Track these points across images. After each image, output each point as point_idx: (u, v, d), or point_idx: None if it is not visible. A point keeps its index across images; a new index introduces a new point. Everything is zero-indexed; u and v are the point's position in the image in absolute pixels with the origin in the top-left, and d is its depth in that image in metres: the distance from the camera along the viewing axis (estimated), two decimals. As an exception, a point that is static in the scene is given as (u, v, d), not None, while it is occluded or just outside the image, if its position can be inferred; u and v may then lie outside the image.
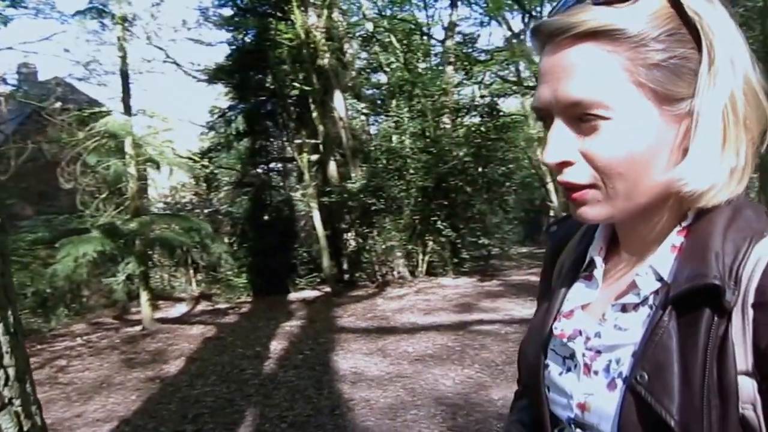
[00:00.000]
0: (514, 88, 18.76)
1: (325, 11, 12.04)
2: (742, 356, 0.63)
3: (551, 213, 18.99)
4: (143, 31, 12.77)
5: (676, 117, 0.68)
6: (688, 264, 0.69)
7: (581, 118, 0.68)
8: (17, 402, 1.60)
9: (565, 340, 0.81)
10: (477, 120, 13.06)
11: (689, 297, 0.67)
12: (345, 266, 12.64)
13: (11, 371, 1.62)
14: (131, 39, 11.09)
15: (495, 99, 13.56)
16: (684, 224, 0.74)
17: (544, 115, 0.73)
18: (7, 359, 1.62)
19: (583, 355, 0.78)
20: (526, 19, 20.65)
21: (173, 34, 27.99)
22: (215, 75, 13.24)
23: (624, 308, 0.77)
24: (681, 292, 0.67)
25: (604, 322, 0.78)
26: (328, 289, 11.48)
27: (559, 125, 0.71)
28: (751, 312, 0.64)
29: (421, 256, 11.77)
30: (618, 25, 0.66)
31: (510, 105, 19.79)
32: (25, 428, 1.59)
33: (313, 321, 8.87)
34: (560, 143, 0.70)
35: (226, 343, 7.91)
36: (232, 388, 5.90)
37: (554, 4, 0.74)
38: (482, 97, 13.68)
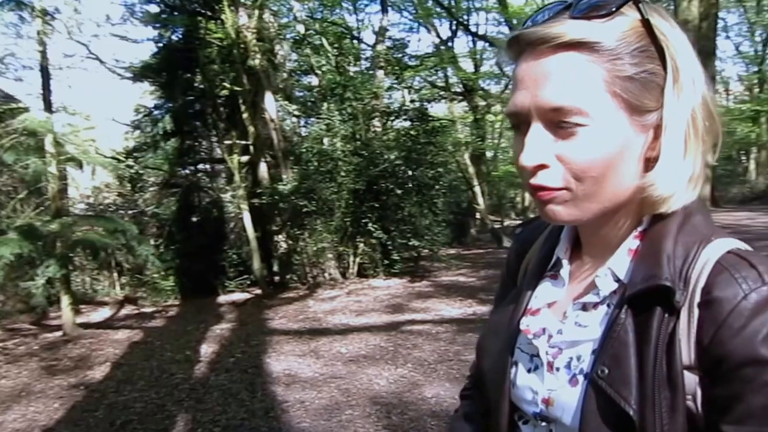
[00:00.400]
0: (443, 93, 19.17)
1: (256, 12, 11.93)
2: (686, 352, 0.69)
3: (478, 216, 19.43)
4: (64, 26, 12.26)
5: (644, 127, 0.74)
6: (643, 266, 0.75)
7: (559, 123, 0.72)
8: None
9: (530, 336, 0.86)
10: (407, 124, 13.23)
11: (643, 296, 0.72)
12: (275, 268, 12.53)
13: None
14: (52, 33, 10.63)
15: (424, 104, 13.75)
16: (640, 229, 0.80)
17: (520, 120, 0.76)
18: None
19: (546, 352, 0.83)
20: (454, 27, 21.15)
21: (96, 29, 27.06)
22: (141, 73, 12.86)
23: (584, 307, 0.82)
24: (636, 292, 0.73)
25: (566, 320, 0.84)
26: (258, 291, 11.35)
27: (537, 129, 0.74)
28: (696, 311, 0.70)
29: (352, 258, 11.81)
30: (597, 39, 0.71)
31: (437, 110, 20.16)
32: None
33: (244, 323, 8.76)
34: (538, 147, 0.74)
35: (154, 348, 7.71)
36: (161, 394, 5.76)
37: (531, 15, 0.79)
38: (412, 101, 13.84)
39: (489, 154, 23.22)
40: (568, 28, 0.71)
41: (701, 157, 0.76)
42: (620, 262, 0.79)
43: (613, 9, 0.71)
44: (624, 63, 0.71)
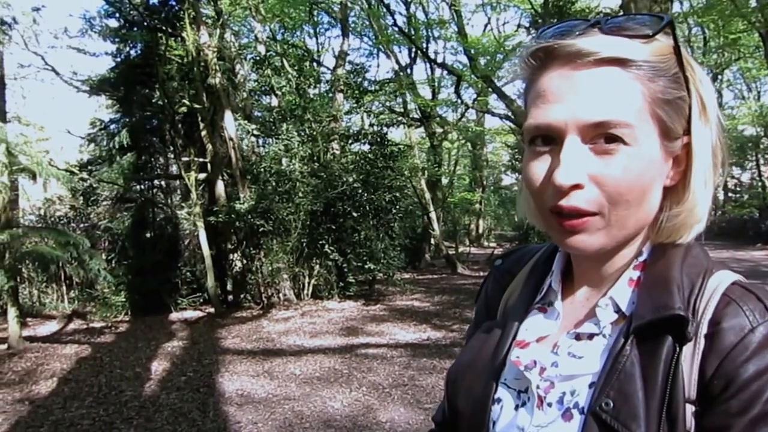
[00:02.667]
0: (401, 118, 19.42)
1: (218, 31, 11.99)
2: (688, 384, 0.67)
3: (432, 241, 19.61)
4: (21, 36, 12.08)
5: (669, 154, 0.73)
6: (651, 296, 0.72)
7: (601, 139, 0.69)
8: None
9: (521, 368, 0.81)
10: (366, 147, 13.38)
11: (653, 327, 0.70)
12: (229, 287, 12.48)
13: None
14: (8, 43, 10.47)
15: (383, 128, 13.93)
16: (640, 259, 0.78)
17: (549, 135, 0.72)
18: None
19: (538, 387, 0.78)
20: (413, 54, 21.50)
21: (54, 41, 26.62)
22: (98, 86, 12.73)
23: (578, 337, 0.79)
24: (646, 322, 0.70)
25: (558, 350, 0.80)
26: (211, 310, 11.25)
27: (574, 145, 0.69)
28: (702, 342, 0.68)
29: (307, 279, 11.82)
30: (640, 57, 0.69)
31: (395, 135, 20.43)
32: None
33: (196, 342, 8.67)
34: (575, 164, 0.69)
35: (103, 364, 7.56)
36: (110, 411, 5.67)
37: (555, 26, 0.75)
38: (371, 125, 14.00)
39: (445, 180, 23.56)
40: (608, 44, 0.69)
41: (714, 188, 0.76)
42: (621, 292, 0.77)
43: (651, 33, 0.70)
44: (662, 85, 0.70)
